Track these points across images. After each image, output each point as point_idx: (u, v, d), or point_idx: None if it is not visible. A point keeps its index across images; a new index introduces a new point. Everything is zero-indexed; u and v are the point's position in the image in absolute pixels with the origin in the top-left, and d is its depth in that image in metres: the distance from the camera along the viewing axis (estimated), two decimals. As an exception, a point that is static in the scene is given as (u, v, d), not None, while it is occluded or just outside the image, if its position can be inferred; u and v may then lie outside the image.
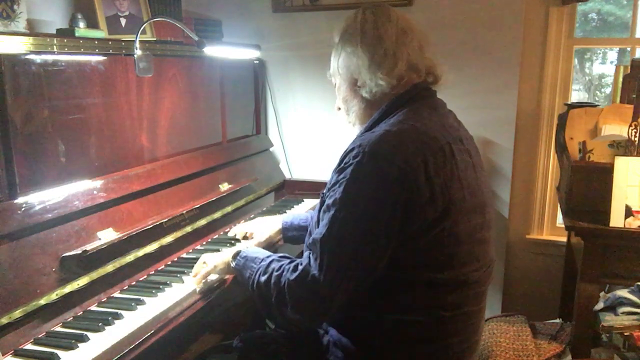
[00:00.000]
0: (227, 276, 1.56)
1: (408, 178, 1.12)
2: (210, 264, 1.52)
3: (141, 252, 1.63)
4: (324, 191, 1.27)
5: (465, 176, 1.22)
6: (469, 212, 1.21)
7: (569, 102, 2.39)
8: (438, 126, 1.24)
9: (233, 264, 1.44)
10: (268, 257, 1.35)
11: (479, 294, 1.27)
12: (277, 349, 1.36)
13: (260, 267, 1.32)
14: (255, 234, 1.82)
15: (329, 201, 1.20)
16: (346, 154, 1.21)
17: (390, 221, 1.14)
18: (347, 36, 1.32)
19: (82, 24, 1.87)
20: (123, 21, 2.04)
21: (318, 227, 1.23)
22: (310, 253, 1.21)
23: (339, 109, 1.44)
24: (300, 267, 1.21)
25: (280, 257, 1.34)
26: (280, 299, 1.22)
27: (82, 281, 1.42)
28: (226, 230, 2.03)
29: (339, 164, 1.22)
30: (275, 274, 1.26)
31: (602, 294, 1.99)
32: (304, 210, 2.35)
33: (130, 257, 1.59)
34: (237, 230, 1.91)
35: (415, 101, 1.28)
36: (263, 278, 1.28)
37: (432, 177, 1.14)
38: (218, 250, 1.79)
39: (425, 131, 1.20)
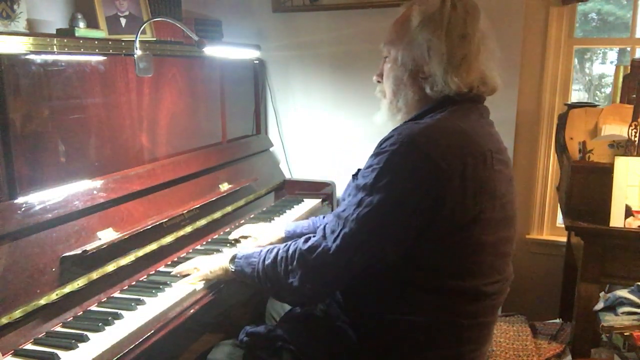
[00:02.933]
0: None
1: (443, 175, 1.10)
2: (204, 269, 1.52)
3: (141, 252, 1.63)
4: (356, 172, 1.27)
5: (500, 187, 1.19)
6: (497, 224, 1.19)
7: (569, 102, 2.39)
8: (483, 132, 1.22)
9: (232, 268, 1.44)
10: (266, 247, 1.37)
11: (494, 306, 1.27)
12: (283, 346, 1.35)
13: (262, 256, 1.34)
14: (258, 237, 1.81)
15: (359, 182, 1.19)
16: (385, 139, 1.19)
17: (413, 215, 1.13)
18: (431, 22, 1.22)
19: (82, 24, 1.87)
20: (123, 21, 2.04)
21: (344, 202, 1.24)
22: (326, 225, 1.23)
23: (379, 82, 1.36)
24: (313, 239, 1.24)
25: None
26: (288, 271, 1.25)
27: (82, 281, 1.42)
28: (226, 230, 2.03)
29: (376, 149, 1.20)
30: (281, 250, 1.29)
31: (602, 294, 1.99)
32: (304, 210, 2.35)
33: (130, 257, 1.58)
34: (240, 232, 1.89)
35: (465, 103, 1.24)
36: (268, 262, 1.31)
37: (467, 181, 1.12)
38: (218, 251, 1.79)
39: (469, 133, 1.18)
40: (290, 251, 1.26)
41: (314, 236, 1.25)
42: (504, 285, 1.28)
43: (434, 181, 1.11)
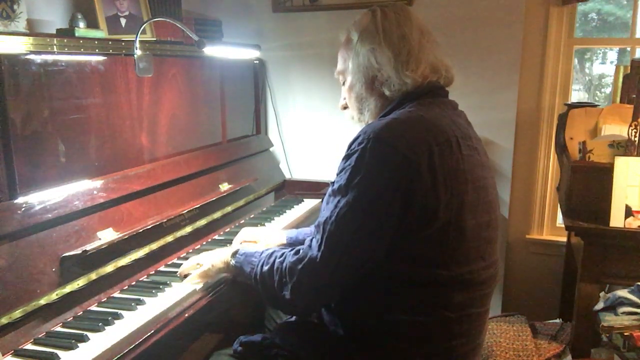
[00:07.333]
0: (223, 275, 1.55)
1: (411, 165, 1.13)
2: (207, 263, 1.52)
3: (141, 252, 1.63)
4: (333, 181, 1.28)
5: (471, 171, 1.21)
6: (474, 208, 1.20)
7: (569, 102, 2.39)
8: (448, 121, 1.25)
9: (233, 262, 1.44)
10: (267, 249, 1.37)
11: (484, 296, 1.27)
12: (278, 354, 1.35)
13: (262, 259, 1.34)
14: (258, 241, 1.79)
15: (334, 187, 1.21)
16: (353, 141, 1.22)
17: (390, 207, 1.14)
18: (368, 34, 1.31)
19: (82, 24, 1.87)
20: (123, 21, 2.04)
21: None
22: (312, 237, 1.23)
23: (345, 107, 1.44)
24: (301, 251, 1.24)
25: (281, 248, 1.35)
26: (282, 283, 1.24)
27: (82, 281, 1.42)
28: (226, 230, 2.03)
29: (346, 151, 1.23)
30: (278, 260, 1.28)
31: (602, 294, 1.99)
32: (304, 210, 2.35)
33: (130, 257, 1.59)
34: (240, 237, 1.82)
35: (428, 97, 1.29)
36: (266, 267, 1.30)
37: (436, 167, 1.14)
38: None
39: (433, 122, 1.21)
40: (284, 263, 1.26)
41: (302, 248, 1.25)
42: (492, 272, 1.28)
43: (404, 172, 1.13)
